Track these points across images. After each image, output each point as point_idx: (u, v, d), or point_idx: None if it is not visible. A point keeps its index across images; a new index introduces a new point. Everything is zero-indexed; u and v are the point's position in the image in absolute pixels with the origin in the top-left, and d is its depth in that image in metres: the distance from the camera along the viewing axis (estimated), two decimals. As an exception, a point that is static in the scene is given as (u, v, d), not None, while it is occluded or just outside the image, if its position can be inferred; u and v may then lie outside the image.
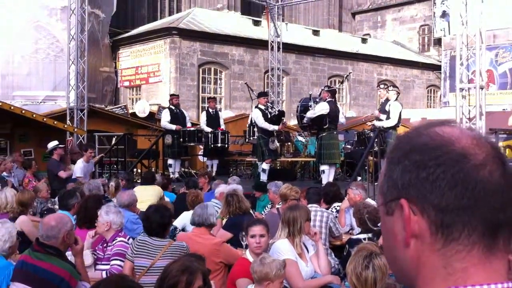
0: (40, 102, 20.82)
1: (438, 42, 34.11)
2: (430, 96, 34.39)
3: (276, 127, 11.02)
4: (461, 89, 11.51)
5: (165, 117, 12.56)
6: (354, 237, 5.52)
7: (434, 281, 0.85)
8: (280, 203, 6.98)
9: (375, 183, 9.85)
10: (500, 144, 12.17)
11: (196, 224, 5.07)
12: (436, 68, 33.57)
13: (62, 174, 10.02)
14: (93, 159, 11.21)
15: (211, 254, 4.72)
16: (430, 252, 0.85)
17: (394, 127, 10.80)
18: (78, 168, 10.26)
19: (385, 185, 0.91)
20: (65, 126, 13.65)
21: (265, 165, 10.95)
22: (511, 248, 0.87)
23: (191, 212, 6.68)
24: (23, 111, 12.64)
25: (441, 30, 33.19)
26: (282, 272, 3.68)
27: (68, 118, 14.47)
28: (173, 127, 12.32)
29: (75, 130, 13.81)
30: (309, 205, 6.19)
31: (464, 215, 0.83)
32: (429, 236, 0.85)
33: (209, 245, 4.85)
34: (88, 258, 4.71)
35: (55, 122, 13.12)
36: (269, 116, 11.08)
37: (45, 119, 12.99)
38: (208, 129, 12.52)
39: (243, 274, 3.89)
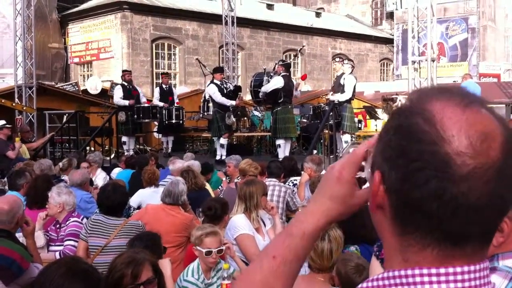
0: (-13, 80, 20.05)
1: (390, 15, 34.49)
2: (383, 69, 34.89)
3: (233, 102, 10.98)
4: (413, 62, 11.69)
5: (118, 94, 12.35)
6: (311, 210, 5.56)
7: (392, 259, 0.83)
8: (238, 177, 6.97)
9: (331, 156, 9.98)
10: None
11: (167, 203, 4.98)
12: (388, 41, 34.01)
13: (11, 154, 9.74)
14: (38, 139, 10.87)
15: (181, 228, 4.75)
16: (391, 234, 0.83)
17: (349, 101, 10.93)
18: None
19: (375, 150, 0.86)
20: (14, 104, 13.25)
21: (223, 140, 10.91)
22: (485, 253, 0.81)
23: (147, 189, 6.60)
24: (-31, 90, 12.16)
25: (393, 3, 33.54)
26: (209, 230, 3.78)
27: (16, 96, 14.00)
28: (126, 102, 12.14)
29: (24, 108, 13.40)
30: (269, 179, 6.21)
31: (422, 219, 0.78)
32: (390, 217, 0.82)
33: (181, 218, 4.87)
34: (40, 239, 4.60)
35: (3, 101, 12.71)
36: (225, 91, 11.00)
37: (-8, 98, 12.55)
38: (161, 103, 12.40)
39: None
